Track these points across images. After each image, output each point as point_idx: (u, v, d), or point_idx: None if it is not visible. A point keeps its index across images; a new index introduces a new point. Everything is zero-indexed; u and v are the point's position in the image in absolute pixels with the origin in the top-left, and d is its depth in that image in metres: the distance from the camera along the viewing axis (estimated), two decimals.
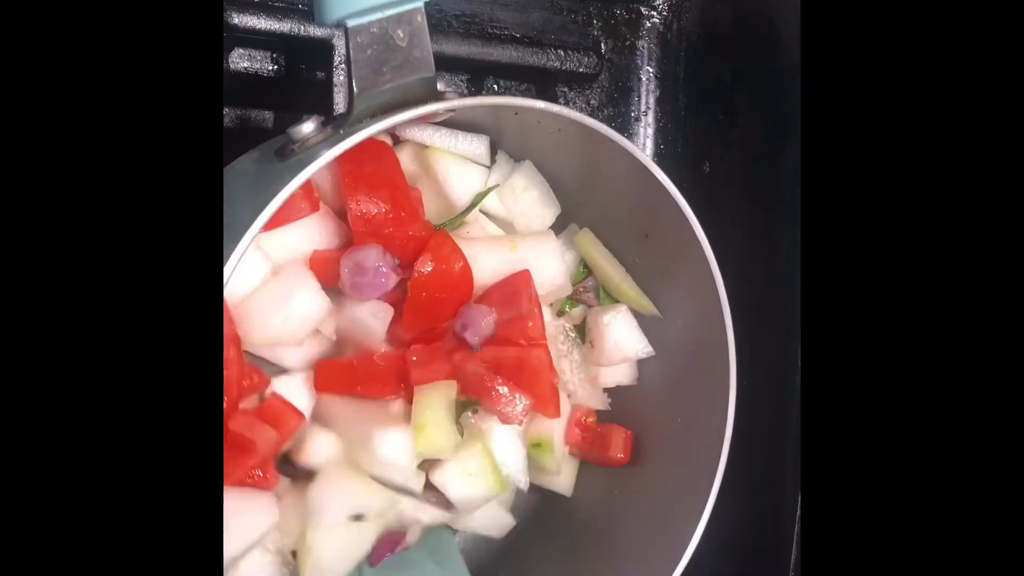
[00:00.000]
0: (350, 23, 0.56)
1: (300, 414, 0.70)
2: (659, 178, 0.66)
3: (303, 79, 0.85)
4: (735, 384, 0.70)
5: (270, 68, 0.84)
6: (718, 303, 0.69)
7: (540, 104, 0.64)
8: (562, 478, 0.80)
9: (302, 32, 0.80)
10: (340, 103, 0.79)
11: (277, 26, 0.79)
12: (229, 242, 0.56)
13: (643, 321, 0.77)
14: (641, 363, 0.79)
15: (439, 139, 0.73)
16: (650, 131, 0.98)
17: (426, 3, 0.59)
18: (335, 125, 0.60)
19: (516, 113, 0.68)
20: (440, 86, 0.63)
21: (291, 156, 0.60)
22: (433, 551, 0.74)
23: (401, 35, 0.58)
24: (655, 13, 0.97)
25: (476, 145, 0.73)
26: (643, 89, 0.98)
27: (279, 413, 0.68)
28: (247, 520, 0.66)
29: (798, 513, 0.85)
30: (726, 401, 0.70)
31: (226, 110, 0.83)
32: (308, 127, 0.60)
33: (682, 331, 0.75)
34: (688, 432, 0.74)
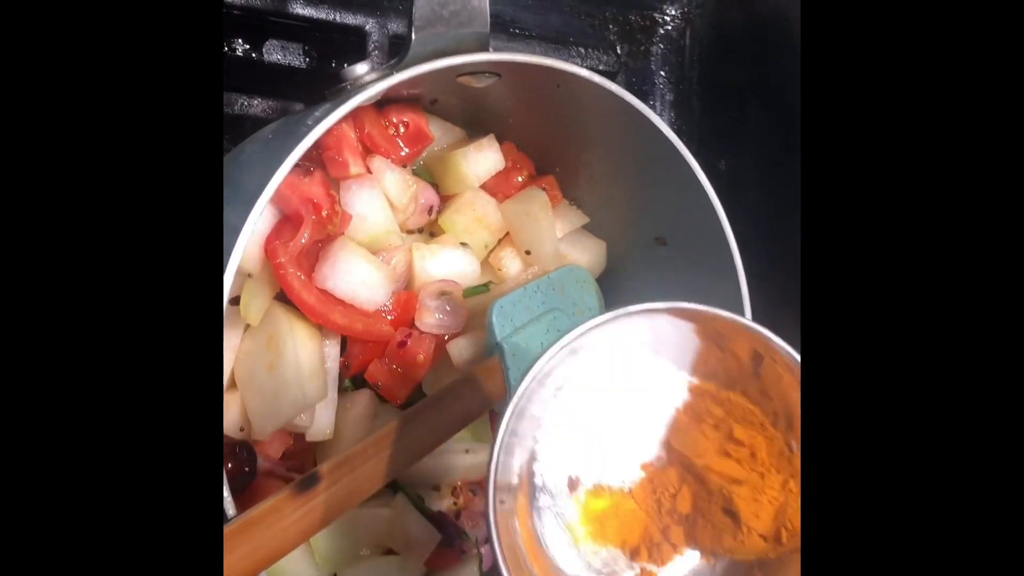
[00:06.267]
0: None
1: None
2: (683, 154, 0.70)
3: (334, 72, 0.87)
4: None
5: (302, 60, 0.86)
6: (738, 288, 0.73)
7: (584, 72, 0.67)
8: None
9: (337, 19, 0.82)
10: None
11: (313, 13, 0.81)
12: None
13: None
14: None
15: None
16: None
17: None
18: (388, 66, 0.61)
19: (558, 86, 0.71)
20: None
21: (342, 93, 0.61)
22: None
23: None
24: (668, 19, 1.00)
25: None
26: (657, 92, 1.00)
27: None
28: None
29: None
30: None
31: (257, 99, 0.85)
32: (362, 67, 0.61)
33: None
34: None
